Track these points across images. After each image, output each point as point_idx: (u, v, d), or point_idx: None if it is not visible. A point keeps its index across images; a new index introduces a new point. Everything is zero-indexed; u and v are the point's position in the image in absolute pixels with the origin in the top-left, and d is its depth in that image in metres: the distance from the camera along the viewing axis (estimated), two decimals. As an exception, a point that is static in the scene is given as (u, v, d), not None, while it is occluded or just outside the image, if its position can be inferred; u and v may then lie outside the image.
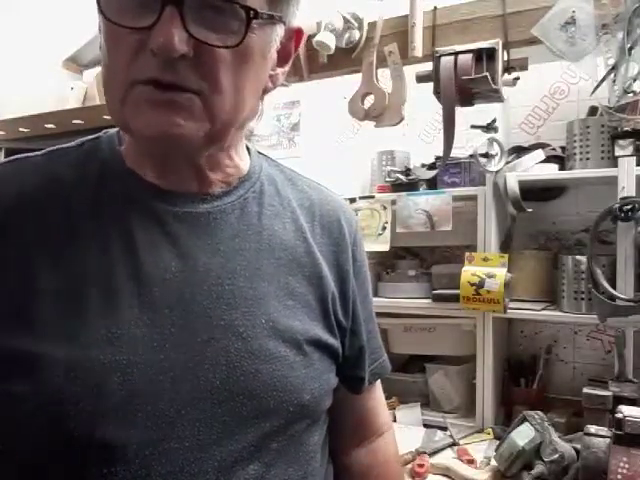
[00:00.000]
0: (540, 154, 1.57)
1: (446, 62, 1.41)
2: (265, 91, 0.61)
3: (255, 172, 0.67)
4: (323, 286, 0.65)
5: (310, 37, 1.58)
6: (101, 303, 0.53)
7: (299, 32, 0.62)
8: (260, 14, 0.52)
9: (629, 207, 1.35)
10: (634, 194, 1.36)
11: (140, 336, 0.53)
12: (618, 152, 1.43)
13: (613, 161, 1.45)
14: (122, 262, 0.55)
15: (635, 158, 1.38)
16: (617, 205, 1.36)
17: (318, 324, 0.63)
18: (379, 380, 0.79)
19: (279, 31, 0.57)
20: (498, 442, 1.30)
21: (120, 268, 0.54)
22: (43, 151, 0.61)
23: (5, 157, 2.14)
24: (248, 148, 0.69)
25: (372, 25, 1.55)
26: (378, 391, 0.79)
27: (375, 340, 0.76)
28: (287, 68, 0.63)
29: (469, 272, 1.53)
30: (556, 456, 1.18)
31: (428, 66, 1.48)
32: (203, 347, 0.55)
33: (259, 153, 0.71)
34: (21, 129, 2.04)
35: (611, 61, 1.32)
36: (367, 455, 0.76)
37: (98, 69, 2.03)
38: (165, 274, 0.55)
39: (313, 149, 2.11)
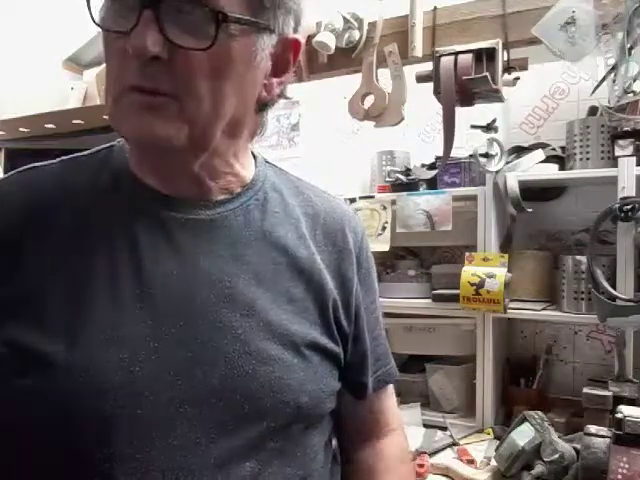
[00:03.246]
0: (540, 154, 1.57)
1: (446, 62, 1.41)
2: (260, 100, 0.62)
3: (259, 180, 0.68)
4: (323, 293, 0.66)
5: (310, 37, 1.58)
6: (105, 304, 0.55)
7: (296, 43, 0.62)
8: (231, 17, 0.53)
9: (629, 207, 1.35)
10: (634, 194, 1.36)
11: (142, 336, 0.54)
12: (618, 152, 1.43)
13: (613, 161, 1.44)
14: (126, 265, 0.57)
15: (635, 158, 1.38)
16: (617, 205, 1.36)
17: (317, 329, 0.64)
18: (391, 387, 0.80)
19: (267, 39, 0.58)
20: (498, 442, 1.30)
21: (124, 270, 0.56)
22: (59, 159, 0.64)
23: (5, 157, 2.14)
24: (255, 156, 0.70)
25: (372, 25, 1.55)
26: (388, 397, 0.80)
27: (381, 347, 0.77)
28: (285, 78, 0.64)
29: (469, 272, 1.53)
30: (556, 456, 1.18)
31: (428, 66, 1.48)
32: (202, 348, 0.56)
33: (266, 162, 0.72)
34: (21, 129, 2.04)
35: (611, 61, 1.32)
36: (373, 454, 0.76)
37: (98, 69, 2.03)
38: (167, 277, 0.57)
39: (313, 149, 2.10)
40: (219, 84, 0.55)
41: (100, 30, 0.55)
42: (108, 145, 0.66)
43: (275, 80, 0.62)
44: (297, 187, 0.72)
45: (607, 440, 1.13)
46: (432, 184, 1.73)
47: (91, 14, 0.53)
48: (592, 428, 1.17)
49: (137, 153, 0.61)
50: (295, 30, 0.61)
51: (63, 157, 0.64)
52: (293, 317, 0.62)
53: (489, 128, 1.53)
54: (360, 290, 0.72)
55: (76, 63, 2.21)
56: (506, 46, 1.39)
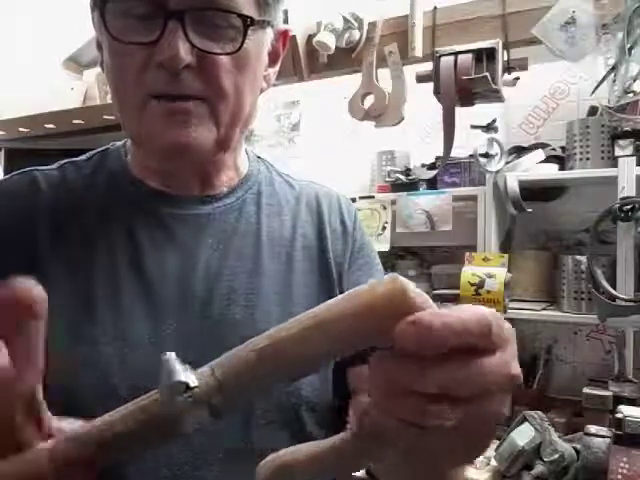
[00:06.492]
0: (540, 154, 1.57)
1: (446, 62, 1.41)
2: (261, 91, 0.64)
3: (253, 174, 0.69)
4: (323, 278, 0.66)
5: (310, 37, 1.58)
6: (108, 301, 0.56)
7: (285, 33, 0.65)
8: (255, 21, 0.55)
9: (629, 207, 1.35)
10: (634, 194, 1.36)
11: (144, 331, 0.55)
12: (618, 152, 1.43)
13: (613, 161, 1.45)
14: (127, 262, 0.58)
15: (635, 158, 1.38)
16: (617, 205, 1.36)
17: None
18: None
19: (269, 34, 0.60)
20: (498, 442, 1.30)
21: (125, 267, 0.57)
22: (57, 164, 0.65)
23: (5, 157, 2.14)
24: (246, 151, 0.72)
25: (372, 25, 1.55)
26: None
27: None
28: (277, 68, 0.66)
29: (469, 272, 1.53)
30: (556, 456, 1.18)
31: (428, 66, 1.48)
32: (205, 342, 0.56)
33: (257, 157, 0.73)
34: (21, 129, 2.04)
35: (611, 61, 1.32)
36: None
37: (98, 69, 2.03)
38: (167, 273, 0.58)
39: (313, 149, 2.10)
40: (241, 83, 0.56)
41: (106, 45, 0.55)
42: (102, 149, 0.67)
43: (271, 70, 0.65)
44: (287, 181, 0.73)
45: (607, 440, 1.13)
46: (432, 184, 1.74)
47: (106, 26, 0.53)
48: (592, 428, 1.17)
49: (154, 157, 0.61)
50: (282, 20, 0.63)
51: (60, 161, 0.65)
52: (294, 306, 0.62)
53: (489, 128, 1.53)
54: (358, 271, 0.71)
55: (76, 63, 2.21)
56: (506, 46, 1.39)
